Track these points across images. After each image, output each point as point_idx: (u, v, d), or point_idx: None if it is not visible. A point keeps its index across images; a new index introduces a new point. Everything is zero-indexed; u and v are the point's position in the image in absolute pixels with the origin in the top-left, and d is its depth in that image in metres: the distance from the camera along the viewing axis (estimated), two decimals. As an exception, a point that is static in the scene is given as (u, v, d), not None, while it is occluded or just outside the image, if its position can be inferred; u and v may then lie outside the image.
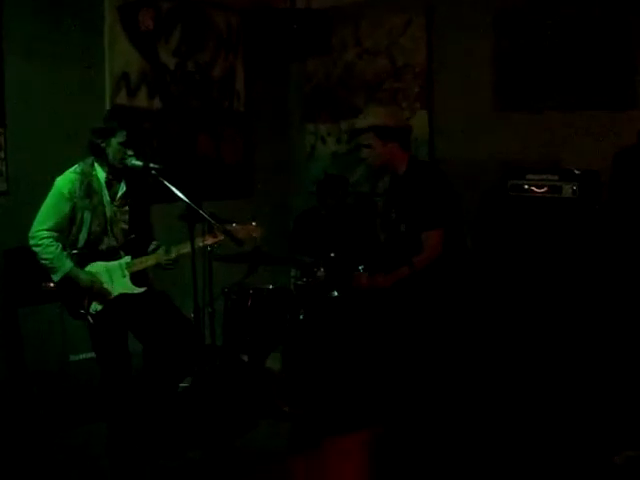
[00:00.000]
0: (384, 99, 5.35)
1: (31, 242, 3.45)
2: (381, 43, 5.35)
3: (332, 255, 4.44)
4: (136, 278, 3.58)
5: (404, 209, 3.78)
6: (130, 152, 3.46)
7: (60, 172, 3.56)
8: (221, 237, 3.52)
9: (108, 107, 4.61)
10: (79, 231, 3.48)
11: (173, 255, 3.51)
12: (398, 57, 5.27)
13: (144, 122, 4.82)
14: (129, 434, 3.49)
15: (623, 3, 4.24)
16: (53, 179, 3.54)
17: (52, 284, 3.57)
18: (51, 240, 3.43)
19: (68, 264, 3.44)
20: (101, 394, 3.58)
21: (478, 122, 4.80)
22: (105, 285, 3.49)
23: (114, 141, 3.46)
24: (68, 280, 3.44)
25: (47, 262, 3.44)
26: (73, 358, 4.11)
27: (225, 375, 4.13)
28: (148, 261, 3.58)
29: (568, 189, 4.16)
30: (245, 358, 4.36)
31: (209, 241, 3.52)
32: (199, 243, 3.47)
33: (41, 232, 3.42)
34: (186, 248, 3.43)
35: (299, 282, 4.44)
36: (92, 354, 3.82)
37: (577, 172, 4.22)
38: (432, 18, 5.07)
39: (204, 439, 3.41)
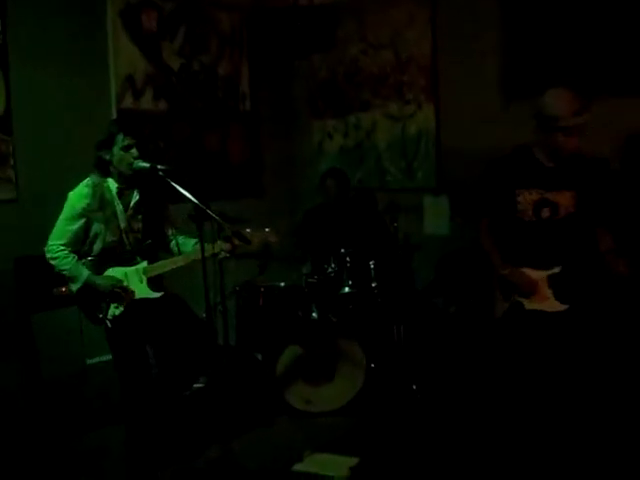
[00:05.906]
0: (390, 93, 5.34)
1: (47, 255, 3.48)
2: (385, 37, 5.32)
3: (342, 251, 4.44)
4: (153, 283, 3.59)
5: None
6: (135, 153, 3.46)
7: (69, 178, 3.57)
8: (236, 242, 3.51)
9: (114, 111, 4.63)
10: (93, 242, 3.52)
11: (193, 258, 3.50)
12: (403, 50, 5.25)
13: (150, 124, 4.83)
14: (147, 436, 3.50)
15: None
16: (62, 185, 3.55)
17: (64, 288, 3.58)
18: (66, 252, 3.46)
19: (85, 272, 3.47)
20: (119, 397, 3.60)
21: (485, 113, 4.76)
22: (126, 285, 3.51)
23: (116, 149, 3.46)
24: (87, 287, 3.47)
25: (66, 272, 3.47)
26: (90, 362, 4.12)
27: (239, 374, 4.13)
28: (166, 266, 3.60)
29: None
30: (259, 356, 4.36)
31: (225, 247, 3.51)
32: (215, 250, 3.47)
33: (55, 246, 3.46)
34: (209, 251, 3.41)
35: (310, 279, 4.44)
36: (109, 357, 3.83)
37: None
38: (436, 10, 5.04)
39: (220, 439, 3.41)
